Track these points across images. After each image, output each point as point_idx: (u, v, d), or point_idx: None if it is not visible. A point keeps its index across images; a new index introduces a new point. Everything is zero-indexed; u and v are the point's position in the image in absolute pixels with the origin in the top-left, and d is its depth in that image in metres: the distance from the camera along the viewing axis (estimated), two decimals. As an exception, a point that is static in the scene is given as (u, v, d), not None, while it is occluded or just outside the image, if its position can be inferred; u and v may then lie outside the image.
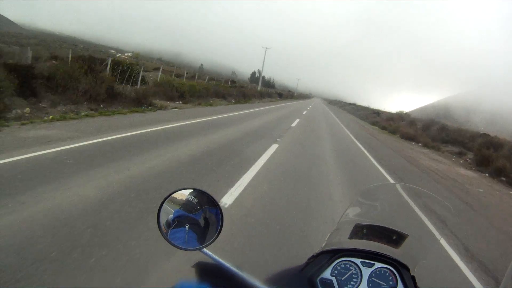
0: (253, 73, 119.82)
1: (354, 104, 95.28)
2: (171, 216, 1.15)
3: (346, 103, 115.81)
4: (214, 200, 1.17)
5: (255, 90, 53.32)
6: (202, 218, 1.16)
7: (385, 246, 1.50)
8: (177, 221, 1.14)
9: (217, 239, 1.17)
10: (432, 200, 1.62)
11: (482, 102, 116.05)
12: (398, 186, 1.88)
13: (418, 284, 1.41)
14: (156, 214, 1.14)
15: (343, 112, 64.56)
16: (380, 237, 1.54)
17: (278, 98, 64.84)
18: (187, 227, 1.13)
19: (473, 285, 4.19)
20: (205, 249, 1.14)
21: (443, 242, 4.95)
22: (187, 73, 40.10)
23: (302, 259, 1.44)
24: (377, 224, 1.55)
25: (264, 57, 66.83)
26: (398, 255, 1.45)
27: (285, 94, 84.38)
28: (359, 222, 1.55)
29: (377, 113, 53.78)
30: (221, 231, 1.18)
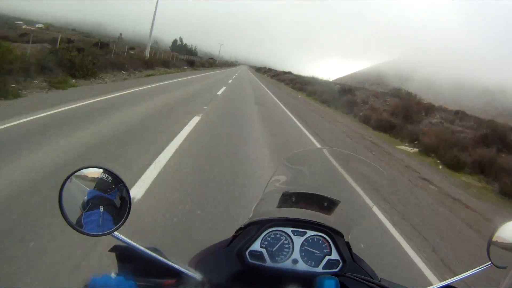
0: (175, 41, 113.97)
1: (290, 73, 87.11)
2: (85, 197, 1.09)
3: (279, 71, 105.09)
4: (120, 179, 1.12)
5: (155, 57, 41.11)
6: (118, 197, 1.12)
7: (317, 213, 1.54)
8: (92, 203, 1.09)
9: (126, 222, 1.12)
10: (363, 164, 1.68)
11: (418, 69, 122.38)
12: (325, 151, 1.92)
13: (353, 249, 1.48)
14: (58, 196, 1.07)
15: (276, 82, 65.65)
16: (311, 204, 1.57)
17: (187, 67, 49.71)
18: (101, 208, 1.09)
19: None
20: (116, 233, 1.10)
21: (375, 209, 5.35)
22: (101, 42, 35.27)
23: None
24: (306, 191, 1.58)
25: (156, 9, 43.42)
26: (330, 222, 1.49)
27: (201, 63, 73.04)
28: (287, 190, 1.57)
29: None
30: (130, 214, 1.13)
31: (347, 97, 28.25)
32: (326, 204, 1.57)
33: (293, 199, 1.57)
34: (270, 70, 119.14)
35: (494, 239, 1.29)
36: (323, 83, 49.59)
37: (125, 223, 1.09)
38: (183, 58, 60.45)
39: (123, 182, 1.12)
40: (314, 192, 1.58)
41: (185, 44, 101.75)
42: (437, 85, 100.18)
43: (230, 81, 36.62)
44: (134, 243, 1.11)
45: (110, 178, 1.12)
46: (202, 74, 43.42)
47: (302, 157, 1.81)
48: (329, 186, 1.74)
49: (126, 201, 1.13)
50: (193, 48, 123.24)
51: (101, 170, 1.12)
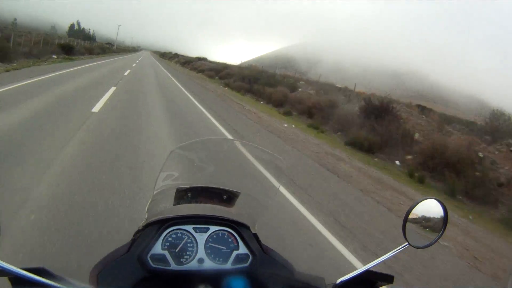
0: (72, 26, 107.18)
1: (205, 59, 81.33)
2: None
3: (191, 58, 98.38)
4: None
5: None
6: None
7: (218, 207, 1.53)
8: None
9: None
10: (262, 152, 1.68)
11: (327, 53, 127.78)
12: (219, 140, 1.90)
13: (263, 241, 1.46)
14: None
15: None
16: (210, 198, 1.56)
17: (56, 56, 32.39)
18: None
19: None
20: None
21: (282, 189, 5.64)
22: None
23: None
24: (201, 185, 1.56)
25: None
26: (233, 214, 1.47)
27: (88, 48, 53.85)
28: (180, 186, 1.54)
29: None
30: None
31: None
32: (226, 196, 1.58)
33: (189, 194, 1.57)
34: (176, 55, 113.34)
35: (408, 219, 1.33)
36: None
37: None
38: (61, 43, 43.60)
39: None
40: (210, 185, 1.58)
41: (83, 28, 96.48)
42: (346, 68, 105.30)
43: (118, 82, 19.79)
44: (13, 267, 1.01)
45: None
46: (101, 62, 37.00)
47: (191, 147, 1.77)
48: (228, 177, 1.75)
49: None
50: (91, 33, 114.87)
51: None
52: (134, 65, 41.36)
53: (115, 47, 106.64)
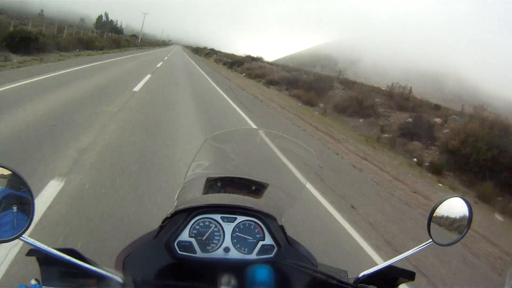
0: (99, 18, 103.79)
1: (261, 59, 61.38)
2: None
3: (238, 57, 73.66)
4: (22, 179, 1.08)
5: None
6: (29, 195, 1.09)
7: (246, 197, 1.57)
8: (4, 203, 1.06)
9: (32, 222, 1.09)
10: (293, 144, 1.70)
11: (366, 52, 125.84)
12: (257, 132, 1.93)
13: (288, 233, 1.49)
14: None
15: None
16: (239, 188, 1.60)
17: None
18: (15, 208, 1.06)
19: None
20: (25, 237, 1.06)
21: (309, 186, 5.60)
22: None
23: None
24: (232, 176, 1.59)
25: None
26: (261, 205, 1.51)
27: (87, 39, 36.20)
28: (211, 175, 1.58)
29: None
30: (34, 215, 1.11)
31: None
32: (255, 187, 1.60)
33: (219, 184, 1.59)
34: (214, 51, 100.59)
35: (434, 216, 1.36)
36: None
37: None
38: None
39: (25, 182, 1.08)
40: (240, 176, 1.60)
41: (111, 20, 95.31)
42: (385, 68, 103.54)
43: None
44: (44, 246, 1.08)
45: (21, 174, 1.08)
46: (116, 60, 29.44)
47: (225, 138, 1.81)
48: (257, 169, 1.79)
49: (29, 203, 1.09)
50: (119, 25, 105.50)
51: (6, 170, 1.08)
52: (166, 57, 46.49)
53: (139, 40, 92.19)
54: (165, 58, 43.19)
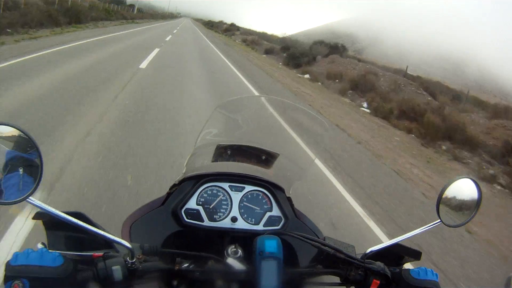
0: None
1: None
2: (3, 159, 1.05)
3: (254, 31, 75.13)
4: (32, 140, 1.07)
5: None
6: (38, 157, 1.08)
7: (255, 167, 1.60)
8: (11, 165, 1.05)
9: (39, 186, 1.08)
10: (304, 114, 1.72)
11: (383, 31, 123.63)
12: (262, 99, 1.93)
13: (295, 205, 1.53)
14: None
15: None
16: (248, 157, 1.63)
17: None
18: (21, 170, 1.06)
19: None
20: (32, 199, 1.06)
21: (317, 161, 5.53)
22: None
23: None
24: (243, 144, 1.63)
25: None
26: (270, 176, 1.54)
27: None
28: (221, 143, 1.61)
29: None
30: (42, 177, 1.08)
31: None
32: (265, 157, 1.64)
33: (229, 152, 1.63)
34: (235, 27, 79.26)
35: (443, 197, 1.38)
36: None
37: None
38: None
39: (35, 144, 1.08)
40: (251, 145, 1.63)
41: None
42: (405, 49, 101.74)
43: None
44: (50, 208, 1.08)
45: (27, 135, 1.07)
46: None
47: (237, 105, 1.84)
48: (268, 138, 1.82)
49: (37, 165, 1.08)
50: None
51: (14, 129, 1.07)
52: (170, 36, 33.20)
53: (135, 10, 74.18)
54: (168, 39, 29.79)
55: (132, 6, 79.09)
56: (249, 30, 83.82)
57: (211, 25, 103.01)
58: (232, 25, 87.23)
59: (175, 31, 42.04)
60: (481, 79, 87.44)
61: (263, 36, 62.60)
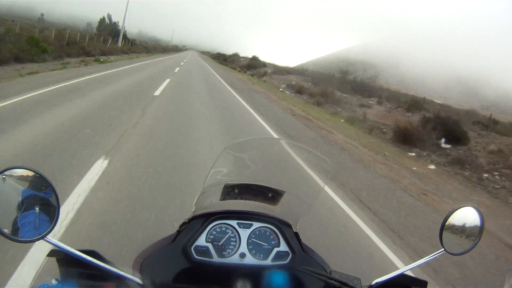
0: (102, 20, 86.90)
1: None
2: (19, 198, 1.10)
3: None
4: (48, 180, 1.15)
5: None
6: (54, 196, 1.15)
7: (262, 204, 1.66)
8: (27, 203, 1.11)
9: (56, 224, 1.15)
10: (310, 154, 1.80)
11: (401, 58, 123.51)
12: (276, 141, 2.00)
13: (303, 240, 1.57)
14: None
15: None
16: (255, 195, 1.69)
17: None
18: (37, 209, 1.11)
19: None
20: (49, 238, 1.13)
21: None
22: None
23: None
24: (249, 183, 1.69)
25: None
26: (277, 212, 1.60)
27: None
28: (229, 182, 1.67)
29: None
30: (59, 216, 1.17)
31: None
32: (271, 194, 1.70)
33: (236, 191, 1.69)
34: (260, 63, 61.22)
35: (446, 226, 1.44)
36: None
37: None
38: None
39: (50, 184, 1.14)
40: (257, 183, 1.70)
41: (114, 22, 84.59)
42: (425, 76, 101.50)
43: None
44: (67, 247, 1.15)
45: (42, 175, 1.14)
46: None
47: (244, 145, 1.91)
48: (274, 176, 1.86)
49: (54, 205, 1.15)
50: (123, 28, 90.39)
51: (30, 171, 1.13)
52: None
53: (120, 42, 55.42)
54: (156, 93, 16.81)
55: (124, 36, 63.78)
56: (285, 67, 69.07)
57: (224, 59, 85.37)
58: (254, 58, 68.48)
59: (176, 70, 32.58)
60: (497, 99, 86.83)
61: (284, 69, 57.63)
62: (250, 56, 75.34)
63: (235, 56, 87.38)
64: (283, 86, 35.22)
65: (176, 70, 31.49)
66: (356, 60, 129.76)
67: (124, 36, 62.45)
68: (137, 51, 56.64)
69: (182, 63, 45.33)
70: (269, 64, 64.51)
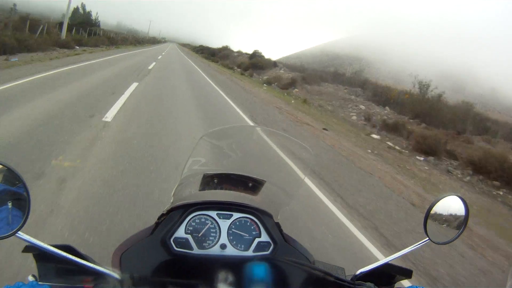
0: (75, 10, 74.25)
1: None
2: None
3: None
4: (18, 175, 1.13)
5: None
6: (25, 192, 1.13)
7: (243, 194, 1.65)
8: None
9: (27, 221, 1.12)
10: (290, 141, 1.79)
11: (384, 52, 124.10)
12: (254, 129, 2.00)
13: (284, 230, 1.57)
14: None
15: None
16: (235, 185, 1.69)
17: None
18: (9, 204, 1.11)
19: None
20: (21, 233, 1.11)
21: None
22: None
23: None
24: (228, 172, 1.69)
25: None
26: (257, 202, 1.60)
27: None
28: (208, 172, 1.67)
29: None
30: (30, 212, 1.13)
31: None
32: (251, 184, 1.71)
33: (216, 180, 1.69)
34: (262, 60, 48.58)
35: (430, 214, 1.45)
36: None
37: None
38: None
39: (21, 179, 1.13)
40: (237, 173, 1.70)
41: (89, 11, 78.30)
42: (407, 70, 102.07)
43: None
44: (40, 243, 1.13)
45: (15, 170, 1.12)
46: None
47: (222, 133, 1.91)
48: (254, 166, 1.88)
49: (25, 199, 1.13)
50: (95, 18, 79.37)
51: (0, 165, 1.12)
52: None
53: (63, 32, 36.60)
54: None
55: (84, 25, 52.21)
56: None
57: (210, 54, 71.73)
58: (257, 54, 54.52)
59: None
60: (482, 95, 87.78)
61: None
62: (237, 48, 65.13)
63: (226, 49, 72.38)
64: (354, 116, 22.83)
65: (132, 88, 14.85)
66: (342, 53, 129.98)
67: (84, 24, 52.83)
68: (92, 44, 42.76)
69: (152, 65, 28.17)
70: (279, 63, 52.84)
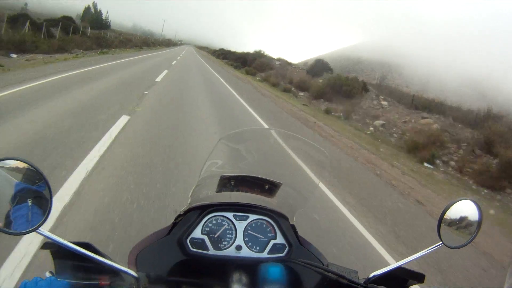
0: (87, 9, 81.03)
1: None
2: (12, 191, 1.13)
3: None
4: (40, 172, 1.15)
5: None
6: (47, 189, 1.16)
7: (259, 196, 1.70)
8: (20, 196, 1.13)
9: (49, 216, 1.16)
10: (307, 145, 1.84)
11: (408, 58, 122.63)
12: (270, 132, 2.03)
13: (300, 232, 1.60)
14: None
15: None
16: (252, 187, 1.73)
17: None
18: (29, 202, 1.14)
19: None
20: (41, 230, 1.13)
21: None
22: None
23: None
24: (245, 174, 1.73)
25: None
26: (273, 204, 1.63)
27: None
28: (225, 174, 1.71)
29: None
30: (51, 209, 1.17)
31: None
32: (268, 186, 1.75)
33: (232, 182, 1.73)
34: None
35: (444, 219, 1.47)
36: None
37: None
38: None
39: (44, 177, 1.16)
40: (253, 175, 1.74)
41: (100, 10, 73.92)
42: (432, 77, 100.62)
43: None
44: (61, 239, 1.17)
45: (35, 168, 1.15)
46: None
47: (240, 136, 1.96)
48: (271, 168, 1.92)
49: (47, 198, 1.17)
50: (106, 19, 79.21)
51: (23, 163, 1.15)
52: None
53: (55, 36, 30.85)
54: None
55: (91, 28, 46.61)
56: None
57: (242, 62, 52.53)
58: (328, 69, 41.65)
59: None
60: (504, 103, 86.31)
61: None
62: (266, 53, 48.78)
63: (262, 56, 55.18)
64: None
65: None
66: (362, 58, 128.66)
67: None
68: (80, 45, 33.70)
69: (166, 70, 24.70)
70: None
